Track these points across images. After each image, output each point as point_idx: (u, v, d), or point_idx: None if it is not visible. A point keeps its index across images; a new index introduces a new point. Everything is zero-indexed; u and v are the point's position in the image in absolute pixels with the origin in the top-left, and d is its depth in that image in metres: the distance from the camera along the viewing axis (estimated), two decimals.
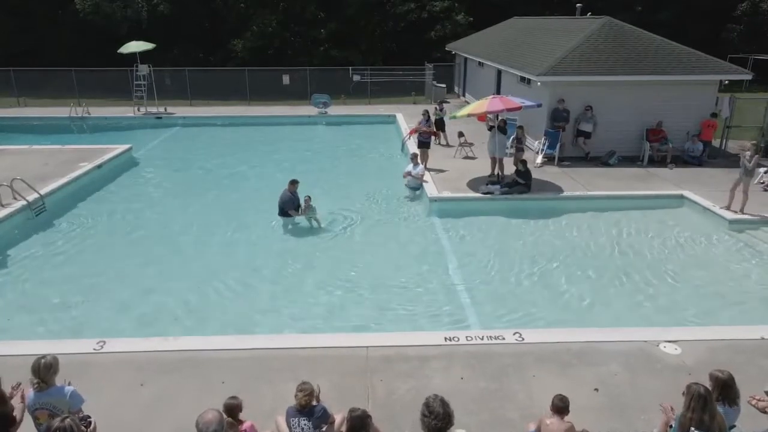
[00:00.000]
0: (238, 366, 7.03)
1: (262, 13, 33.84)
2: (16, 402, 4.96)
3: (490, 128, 15.00)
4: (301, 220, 12.57)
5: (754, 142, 13.29)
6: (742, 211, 12.37)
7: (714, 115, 16.94)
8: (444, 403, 4.11)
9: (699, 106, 16.88)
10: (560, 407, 5.25)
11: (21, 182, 13.08)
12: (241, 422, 5.35)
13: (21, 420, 4.91)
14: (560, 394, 5.34)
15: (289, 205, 12.21)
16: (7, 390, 4.94)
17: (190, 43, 35.51)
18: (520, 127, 15.87)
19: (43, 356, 4.79)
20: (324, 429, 5.29)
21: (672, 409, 5.18)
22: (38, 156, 17.30)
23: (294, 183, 12.43)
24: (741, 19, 36.22)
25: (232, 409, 5.34)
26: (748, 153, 12.27)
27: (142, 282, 10.04)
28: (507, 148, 15.53)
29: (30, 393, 4.76)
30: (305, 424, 5.17)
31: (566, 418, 5.28)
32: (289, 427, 5.21)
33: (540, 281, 10.09)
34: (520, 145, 15.56)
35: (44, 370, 4.68)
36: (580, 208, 13.36)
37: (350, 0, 34.21)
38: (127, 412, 6.23)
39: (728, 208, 12.55)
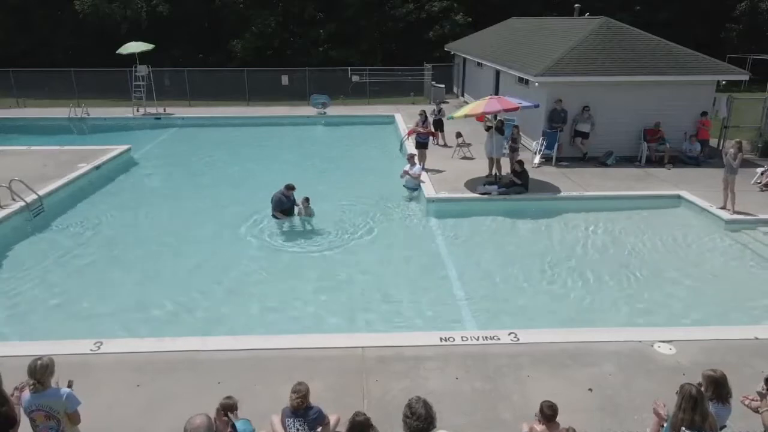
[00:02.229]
0: (234, 366, 7.06)
1: (261, 13, 33.87)
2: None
3: (488, 128, 15.02)
4: (296, 221, 12.57)
5: (738, 140, 13.31)
6: (733, 209, 12.41)
7: (705, 113, 16.95)
8: (427, 405, 4.14)
9: (697, 107, 16.92)
10: (549, 415, 5.26)
11: (19, 183, 13.11)
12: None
13: (20, 420, 4.94)
14: (548, 401, 5.34)
15: (277, 206, 12.28)
16: (9, 391, 4.96)
17: (189, 43, 35.56)
18: (516, 127, 15.88)
19: (39, 357, 4.80)
20: (319, 430, 5.33)
21: (664, 405, 5.22)
22: (37, 157, 17.34)
23: (290, 188, 12.44)
24: (740, 19, 36.26)
25: (228, 409, 5.38)
26: (732, 151, 12.35)
27: (141, 283, 10.07)
28: (504, 148, 15.57)
29: (26, 395, 4.78)
30: (300, 426, 5.20)
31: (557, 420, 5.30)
32: (285, 428, 5.24)
33: (537, 282, 10.11)
34: (515, 144, 15.57)
35: (40, 372, 4.70)
36: (577, 209, 13.38)
37: (349, 1, 34.24)
38: (124, 412, 6.26)
39: (724, 207, 12.59)
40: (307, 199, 12.66)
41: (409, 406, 4.15)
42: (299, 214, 12.48)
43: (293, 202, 12.54)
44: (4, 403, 4.71)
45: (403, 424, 4.13)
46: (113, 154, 17.83)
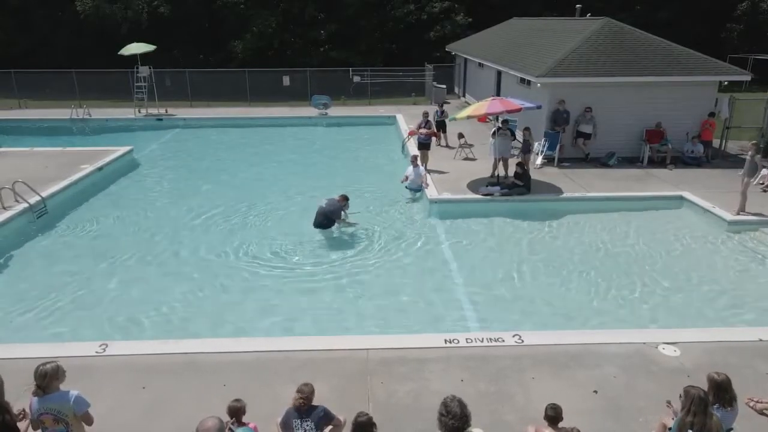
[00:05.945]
0: (238, 368, 7.07)
1: (262, 14, 33.90)
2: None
3: (497, 129, 14.94)
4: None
5: (755, 142, 13.37)
6: (738, 211, 12.41)
7: (712, 114, 16.99)
8: (462, 404, 4.19)
9: (698, 107, 16.92)
10: (551, 417, 5.29)
11: (22, 185, 13.11)
12: (245, 424, 5.42)
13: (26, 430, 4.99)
14: (552, 404, 5.36)
15: (338, 215, 11.96)
16: (12, 399, 4.99)
17: (189, 44, 35.61)
18: (527, 129, 15.79)
19: (45, 363, 4.81)
20: (328, 429, 5.34)
21: (671, 404, 5.25)
22: (39, 158, 17.36)
23: (346, 199, 12.23)
24: (741, 19, 36.23)
25: (236, 412, 5.42)
26: (750, 153, 12.35)
27: (144, 284, 10.08)
28: (513, 148, 15.60)
29: (33, 400, 4.81)
30: (308, 426, 5.22)
31: (561, 423, 5.30)
32: (292, 429, 5.26)
33: (541, 283, 10.12)
34: (527, 146, 15.51)
35: (40, 378, 4.73)
36: (579, 210, 13.39)
37: (350, 1, 34.26)
38: (129, 414, 6.28)
39: (743, 210, 12.48)
40: (347, 200, 12.44)
41: (445, 404, 4.20)
42: (342, 218, 12.27)
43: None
44: (4, 412, 4.72)
45: (438, 422, 4.17)
46: (115, 156, 17.83)
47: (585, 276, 10.30)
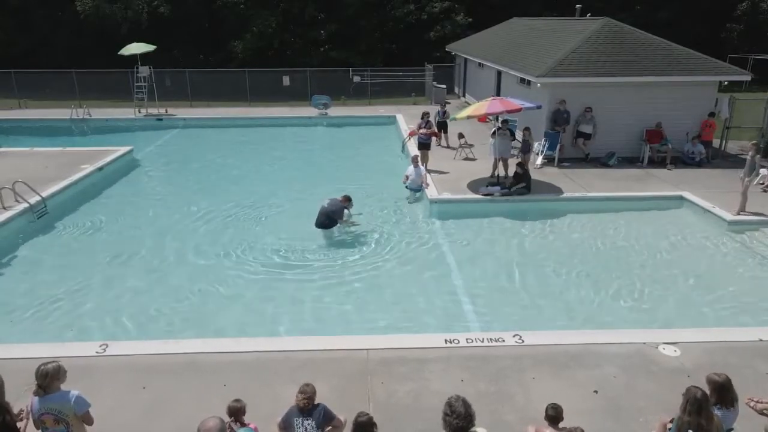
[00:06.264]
0: (238, 368, 7.08)
1: (262, 14, 33.91)
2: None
3: (497, 129, 14.96)
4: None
5: (755, 142, 13.40)
6: (738, 211, 12.42)
7: (712, 114, 16.99)
8: (466, 404, 4.21)
9: (699, 107, 16.93)
10: (553, 417, 5.29)
11: (22, 185, 13.10)
12: (245, 425, 5.42)
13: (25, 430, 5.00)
14: (553, 403, 5.36)
15: (340, 215, 11.96)
16: (13, 400, 5.00)
17: (189, 44, 35.60)
18: (527, 129, 15.81)
19: (46, 363, 4.82)
20: (328, 429, 5.35)
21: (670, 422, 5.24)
22: (39, 158, 17.36)
23: (349, 199, 12.26)
24: (741, 19, 36.23)
25: (236, 412, 5.42)
26: (750, 153, 12.37)
27: (145, 285, 10.08)
28: (513, 148, 15.60)
29: (34, 400, 4.82)
30: (309, 425, 5.23)
31: (561, 423, 5.31)
32: (293, 428, 5.26)
33: (541, 283, 10.11)
34: (527, 146, 15.51)
35: (41, 378, 4.74)
36: (580, 210, 13.40)
37: (350, 1, 34.27)
38: (129, 414, 6.28)
39: (743, 210, 12.51)
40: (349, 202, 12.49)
41: (449, 404, 4.21)
42: (345, 219, 12.30)
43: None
44: (4, 412, 4.73)
45: (443, 422, 4.18)
46: (116, 156, 17.83)
47: (585, 276, 10.30)
